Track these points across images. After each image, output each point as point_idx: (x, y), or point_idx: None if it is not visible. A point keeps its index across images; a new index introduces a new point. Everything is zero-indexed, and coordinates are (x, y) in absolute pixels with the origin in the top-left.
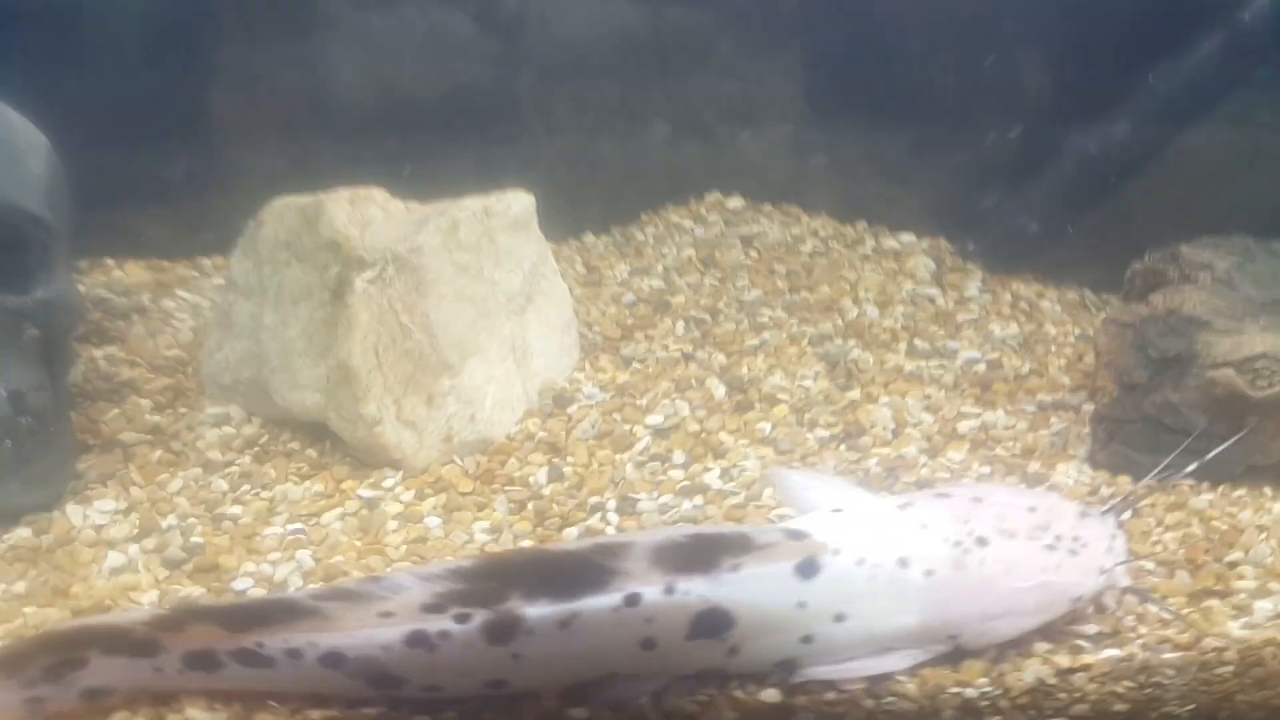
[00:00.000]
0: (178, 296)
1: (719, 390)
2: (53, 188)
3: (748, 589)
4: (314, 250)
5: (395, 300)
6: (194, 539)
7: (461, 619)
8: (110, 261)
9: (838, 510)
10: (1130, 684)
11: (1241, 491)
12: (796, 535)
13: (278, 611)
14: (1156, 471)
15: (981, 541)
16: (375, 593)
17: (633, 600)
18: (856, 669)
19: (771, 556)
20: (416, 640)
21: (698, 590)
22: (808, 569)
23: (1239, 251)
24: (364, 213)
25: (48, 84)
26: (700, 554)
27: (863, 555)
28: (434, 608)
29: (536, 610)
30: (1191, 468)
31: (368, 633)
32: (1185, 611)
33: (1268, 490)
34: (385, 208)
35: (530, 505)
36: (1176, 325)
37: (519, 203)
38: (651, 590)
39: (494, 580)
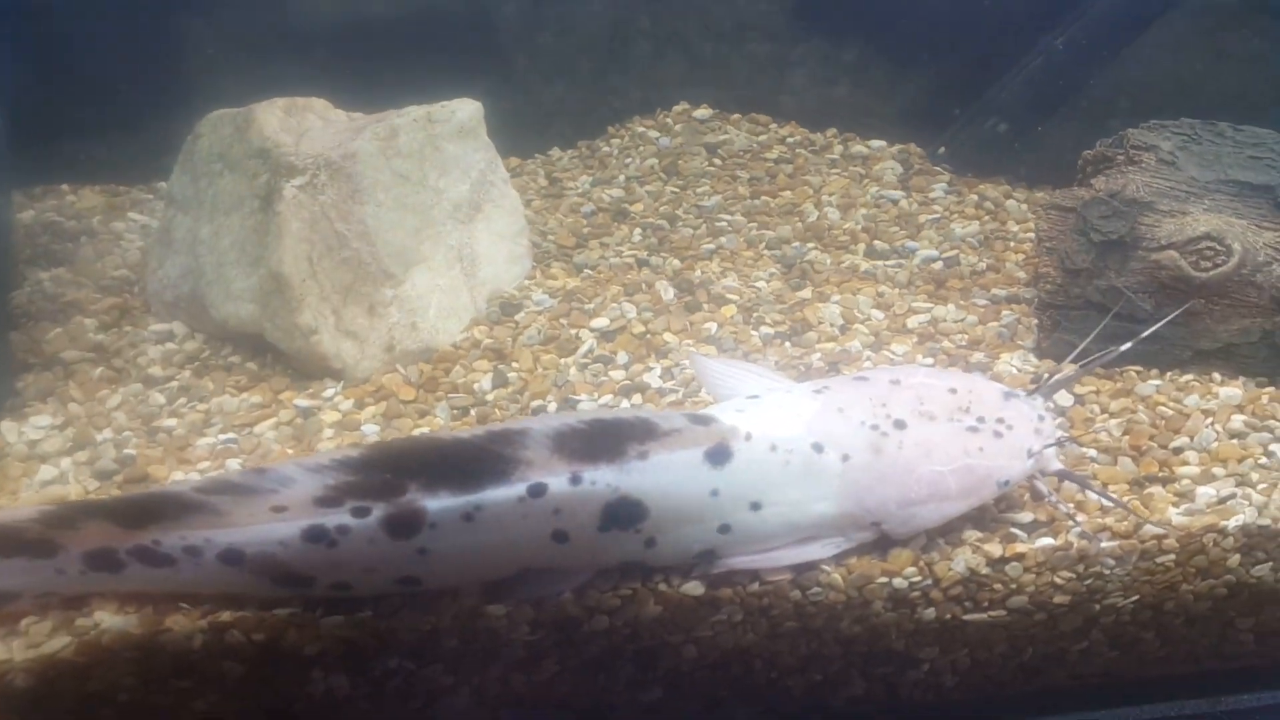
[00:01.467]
0: (129, 219)
1: (668, 293)
2: None
3: (658, 477)
4: (244, 158)
5: (329, 208)
6: (127, 451)
7: (359, 513)
8: (65, 187)
9: (753, 397)
10: (1069, 574)
11: (1189, 377)
12: (703, 421)
13: (167, 506)
14: (1077, 352)
15: (899, 425)
16: (263, 485)
17: (537, 490)
18: (778, 558)
19: (679, 443)
20: (315, 535)
21: (605, 479)
22: (719, 455)
23: (1185, 133)
24: (300, 121)
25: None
26: (604, 441)
27: (776, 440)
28: (328, 501)
29: (438, 503)
30: (1125, 346)
31: (262, 528)
32: (1125, 498)
33: (1216, 375)
34: (324, 116)
35: (473, 412)
36: (1119, 208)
37: (465, 110)
38: (556, 480)
39: (387, 471)
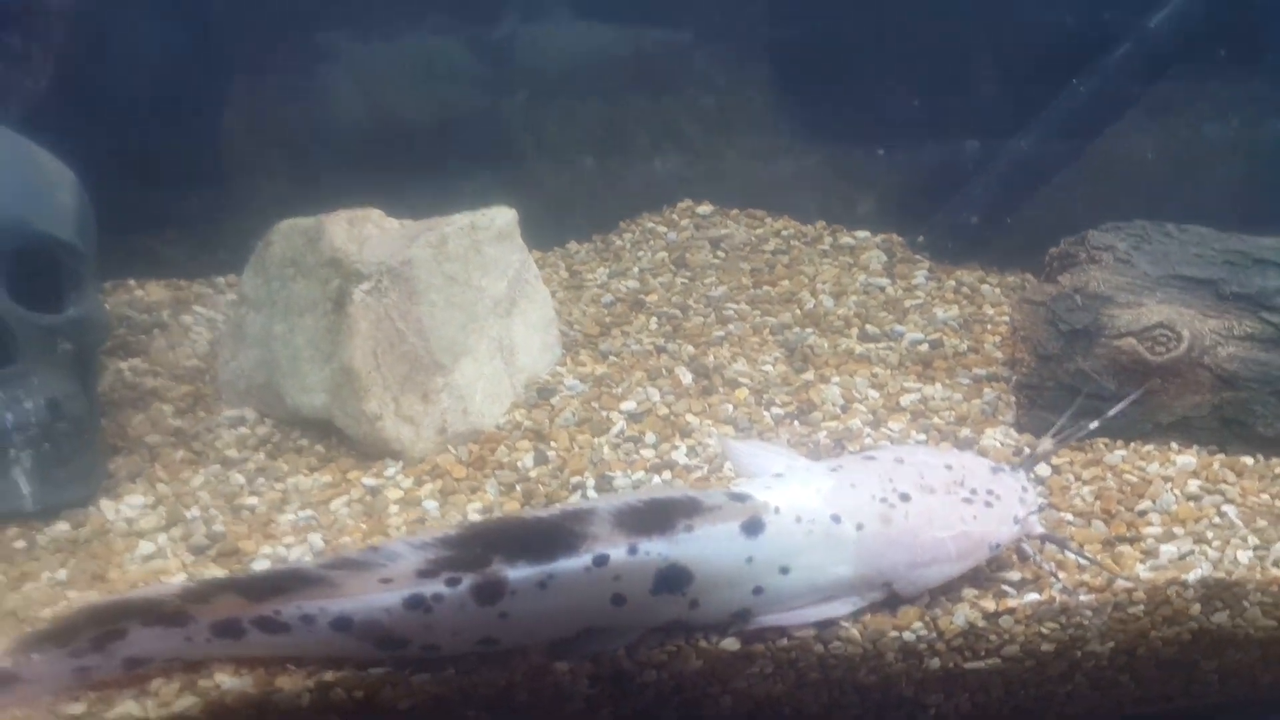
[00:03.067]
0: (195, 312)
1: (687, 377)
2: (80, 217)
3: (702, 547)
4: (316, 266)
5: (391, 308)
6: (216, 527)
7: (453, 583)
8: (133, 282)
9: (778, 474)
10: (1053, 625)
11: (1150, 447)
12: (739, 498)
13: (291, 581)
14: (1056, 428)
15: (904, 497)
16: (375, 561)
17: (601, 560)
18: (804, 616)
19: (720, 517)
20: (414, 603)
21: (658, 550)
22: (753, 527)
23: (1138, 234)
24: (361, 231)
25: (76, 123)
26: (657, 517)
27: (800, 513)
28: (427, 573)
29: (518, 573)
30: (1094, 425)
31: (371, 598)
32: (1099, 556)
33: (1174, 444)
34: (380, 226)
35: (518, 487)
36: (1083, 302)
37: (502, 217)
38: (617, 551)
39: (478, 547)
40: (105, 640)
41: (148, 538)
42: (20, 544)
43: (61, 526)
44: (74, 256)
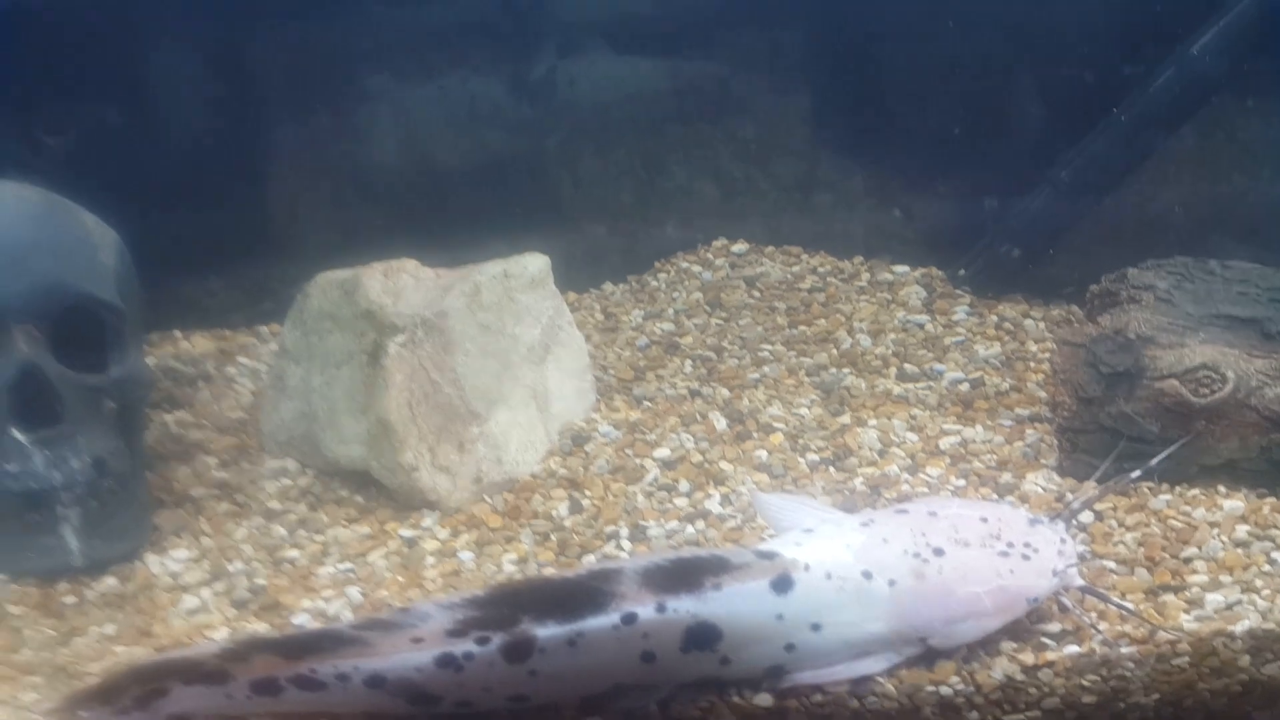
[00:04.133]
0: (239, 363)
1: (721, 423)
2: (123, 277)
3: (730, 604)
4: (352, 319)
5: (425, 360)
6: (258, 580)
7: (482, 641)
8: (178, 333)
9: (808, 530)
10: (1094, 677)
11: (1196, 491)
12: (768, 555)
13: (326, 640)
14: (1099, 474)
15: (938, 552)
16: (406, 621)
17: (629, 619)
18: (837, 673)
19: (748, 575)
20: (445, 662)
21: (686, 607)
22: (782, 584)
23: (1179, 271)
24: (396, 283)
25: (118, 177)
26: (684, 575)
27: (830, 569)
28: (457, 633)
29: (546, 631)
30: (1136, 474)
31: (403, 656)
32: (1142, 606)
33: (1220, 488)
34: (416, 276)
35: (553, 537)
36: (1124, 343)
37: (535, 264)
38: (645, 609)
39: (506, 606)
40: (149, 698)
41: (191, 592)
42: (70, 599)
43: (109, 581)
44: (117, 316)
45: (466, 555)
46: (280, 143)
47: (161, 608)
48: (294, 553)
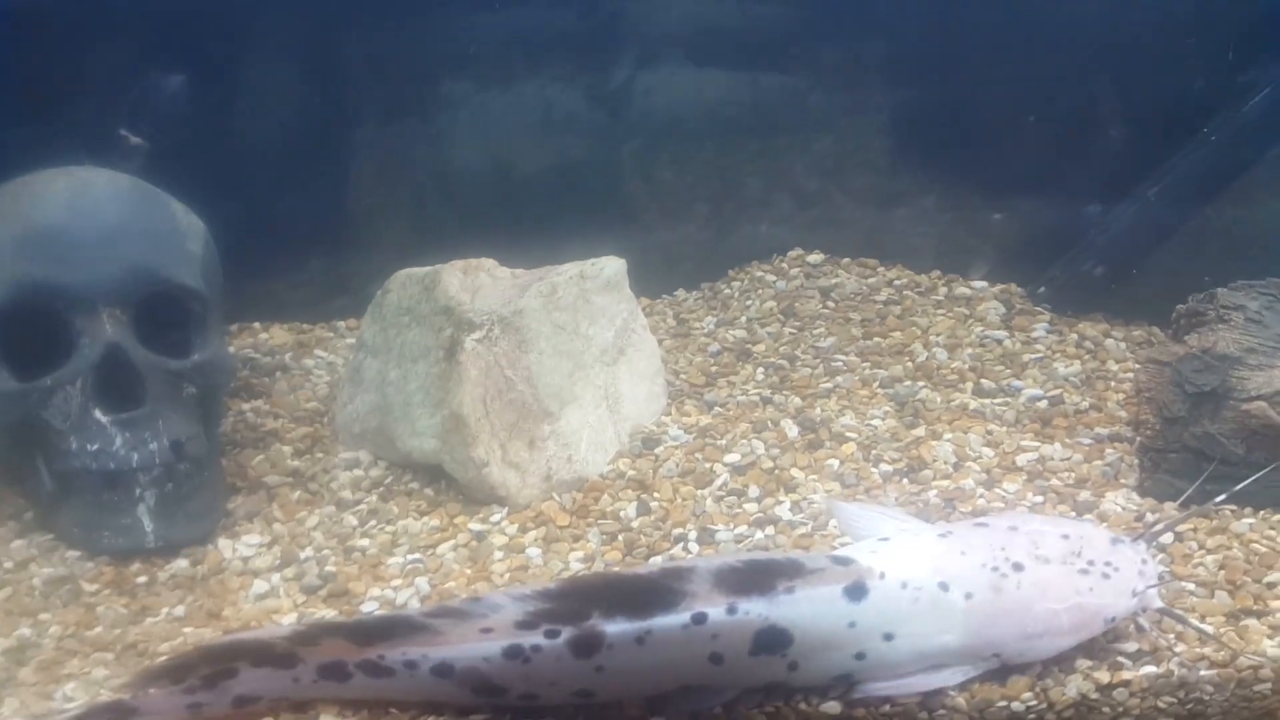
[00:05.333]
0: (316, 355)
1: (792, 430)
2: (208, 265)
3: (802, 609)
4: (431, 314)
5: (500, 357)
6: (328, 568)
7: (551, 635)
8: (257, 325)
9: (884, 539)
10: (1171, 699)
11: None
12: (843, 561)
13: (396, 627)
14: (1184, 498)
15: (1017, 567)
16: (476, 611)
17: (699, 619)
18: (908, 685)
19: (822, 580)
20: (513, 653)
21: (757, 610)
22: (856, 592)
23: (1271, 292)
24: (474, 280)
25: (207, 174)
26: (757, 577)
27: (906, 579)
28: (527, 624)
29: (615, 627)
30: (1221, 498)
31: (471, 646)
32: (1223, 631)
33: None
34: (493, 274)
35: (620, 537)
36: (1211, 363)
37: (611, 266)
38: (716, 610)
39: (576, 601)
40: (217, 678)
41: (262, 577)
42: (142, 579)
43: (181, 563)
44: (201, 303)
45: (534, 551)
46: (363, 143)
47: (232, 591)
48: (364, 542)
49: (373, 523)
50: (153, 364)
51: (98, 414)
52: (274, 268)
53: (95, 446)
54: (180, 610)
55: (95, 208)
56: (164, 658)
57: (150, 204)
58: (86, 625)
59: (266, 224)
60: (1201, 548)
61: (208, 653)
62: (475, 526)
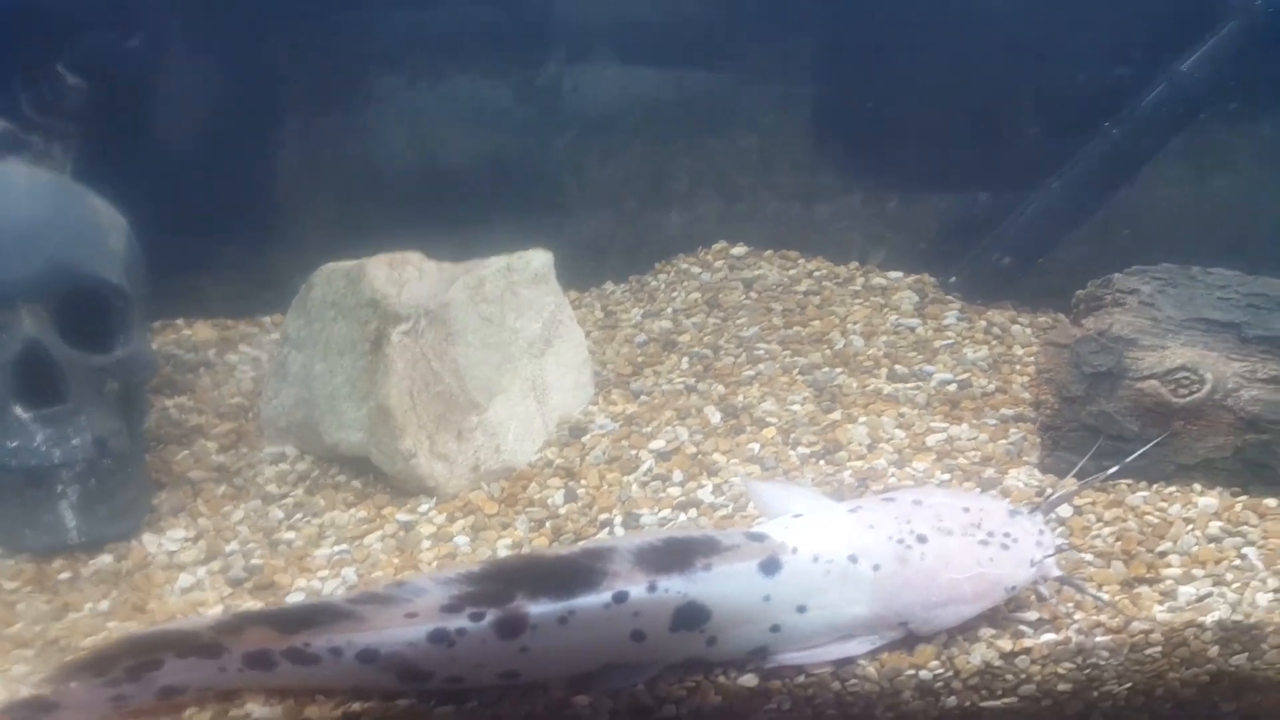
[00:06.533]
0: (240, 351)
1: (715, 417)
2: (130, 261)
3: (719, 585)
4: (356, 308)
5: (427, 349)
6: (253, 561)
7: (476, 617)
8: (181, 322)
9: (797, 515)
10: (1070, 665)
11: (1172, 488)
12: (757, 537)
13: (320, 614)
14: (1076, 469)
15: (922, 539)
16: (401, 596)
17: (621, 597)
18: (821, 654)
19: (738, 556)
20: (438, 637)
21: (676, 587)
22: (770, 566)
23: (1162, 277)
24: (401, 274)
25: (129, 169)
26: (675, 555)
27: (818, 553)
28: (451, 608)
29: (539, 608)
30: (1114, 469)
31: (396, 631)
32: (1118, 598)
33: (1196, 486)
34: (420, 268)
35: (548, 524)
36: (1107, 344)
37: (538, 259)
38: (636, 588)
39: (500, 583)
40: (141, 670)
41: (187, 570)
42: (65, 575)
43: (105, 559)
44: (123, 299)
45: (462, 540)
46: (289, 138)
47: (157, 585)
48: (290, 534)
49: (299, 515)
50: (74, 360)
51: (18, 410)
52: (198, 263)
53: (15, 443)
54: (104, 605)
55: (13, 203)
56: (86, 651)
57: (70, 200)
58: (6, 622)
59: (190, 220)
60: (1099, 520)
61: (131, 644)
62: (403, 517)
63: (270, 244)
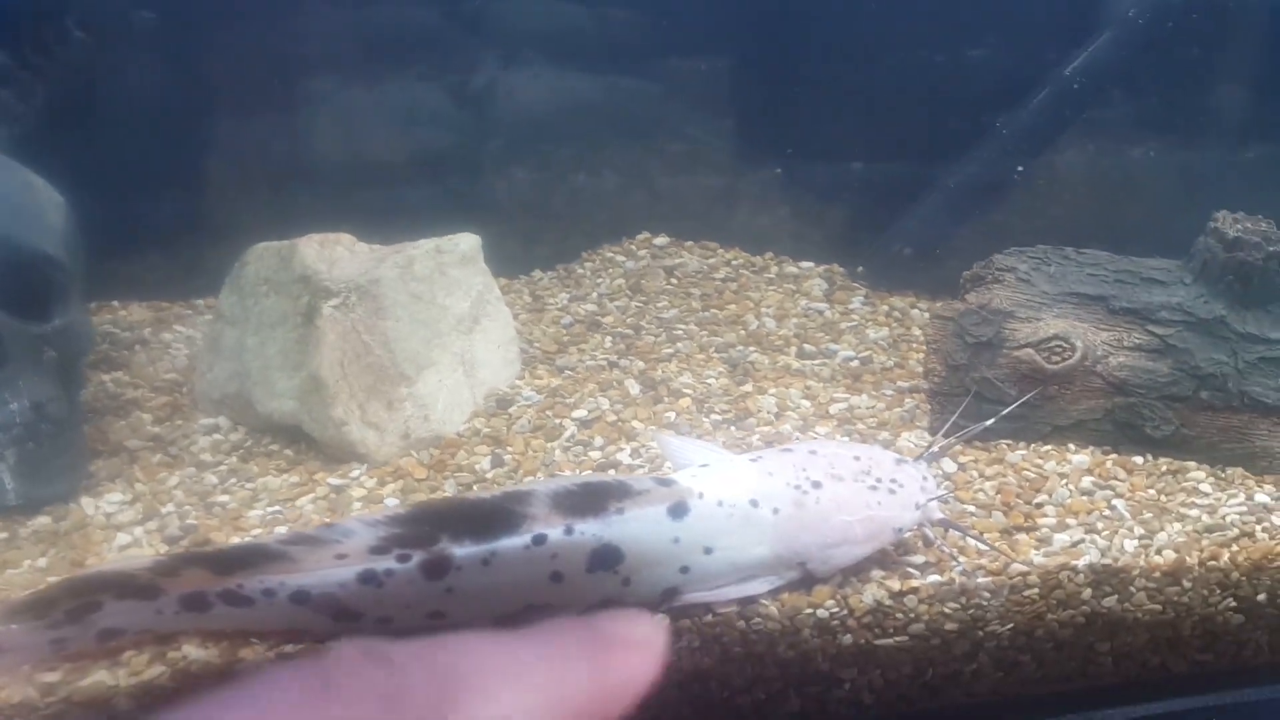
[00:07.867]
0: (175, 330)
1: (635, 389)
2: (68, 237)
3: (631, 528)
4: (289, 283)
5: (358, 322)
6: (189, 521)
7: (403, 559)
8: (116, 303)
9: (704, 465)
10: (955, 605)
11: (1049, 447)
12: (666, 483)
13: (254, 555)
14: (949, 424)
15: (816, 485)
16: (330, 537)
17: (539, 540)
18: (726, 594)
19: (648, 500)
20: (367, 578)
21: (592, 530)
22: (678, 510)
23: (1038, 256)
24: (331, 252)
25: (67, 153)
26: (590, 499)
27: (722, 498)
28: (380, 549)
29: (463, 550)
30: (989, 422)
31: (327, 572)
32: (998, 544)
33: (1070, 445)
34: (351, 249)
35: (475, 488)
36: (987, 316)
37: (466, 242)
38: (554, 531)
39: (426, 525)
40: (81, 612)
41: (125, 530)
42: (2, 535)
43: (43, 520)
44: (61, 272)
45: (392, 501)
46: (224, 129)
47: (95, 544)
48: (225, 498)
49: (233, 481)
50: (13, 328)
51: None
52: (132, 248)
53: None
54: (43, 562)
55: None
56: (26, 593)
57: (9, 177)
58: None
59: (125, 205)
60: (981, 476)
61: (71, 587)
62: (335, 481)
63: (204, 231)
